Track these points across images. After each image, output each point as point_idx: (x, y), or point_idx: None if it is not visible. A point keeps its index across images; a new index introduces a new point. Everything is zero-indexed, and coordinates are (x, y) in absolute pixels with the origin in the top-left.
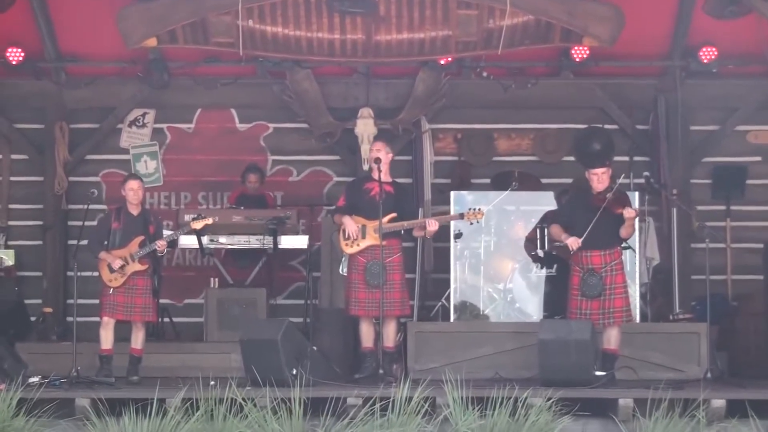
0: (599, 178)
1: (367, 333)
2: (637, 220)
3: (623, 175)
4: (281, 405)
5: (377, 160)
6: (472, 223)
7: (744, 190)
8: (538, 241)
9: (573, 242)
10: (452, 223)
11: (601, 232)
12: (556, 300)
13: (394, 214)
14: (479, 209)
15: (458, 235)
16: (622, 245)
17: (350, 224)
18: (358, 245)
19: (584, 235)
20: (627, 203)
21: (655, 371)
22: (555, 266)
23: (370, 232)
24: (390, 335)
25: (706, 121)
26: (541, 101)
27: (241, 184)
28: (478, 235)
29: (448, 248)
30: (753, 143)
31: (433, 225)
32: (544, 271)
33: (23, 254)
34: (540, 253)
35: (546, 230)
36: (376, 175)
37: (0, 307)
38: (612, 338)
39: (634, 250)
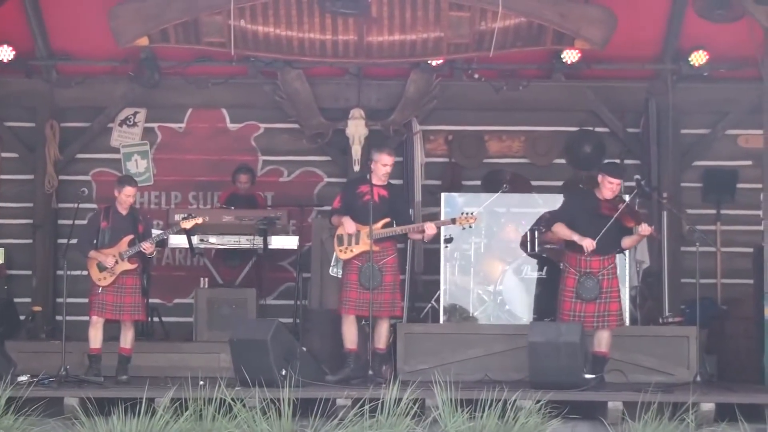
0: (613, 188)
1: (348, 333)
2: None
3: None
4: (270, 405)
5: (370, 161)
6: (464, 228)
7: (734, 194)
8: (528, 243)
9: (589, 244)
10: (443, 227)
11: (606, 240)
12: (545, 302)
13: (387, 219)
14: (471, 214)
15: (449, 240)
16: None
17: (349, 224)
18: (351, 251)
19: (598, 238)
20: (641, 218)
21: (644, 374)
22: (545, 268)
23: (364, 238)
24: (381, 337)
25: (697, 125)
26: (533, 103)
27: (232, 184)
28: (468, 237)
29: (438, 250)
30: (744, 147)
31: (432, 230)
32: (534, 273)
33: (13, 252)
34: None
35: (537, 232)
36: (375, 180)
37: None
38: (603, 341)
39: (624, 253)
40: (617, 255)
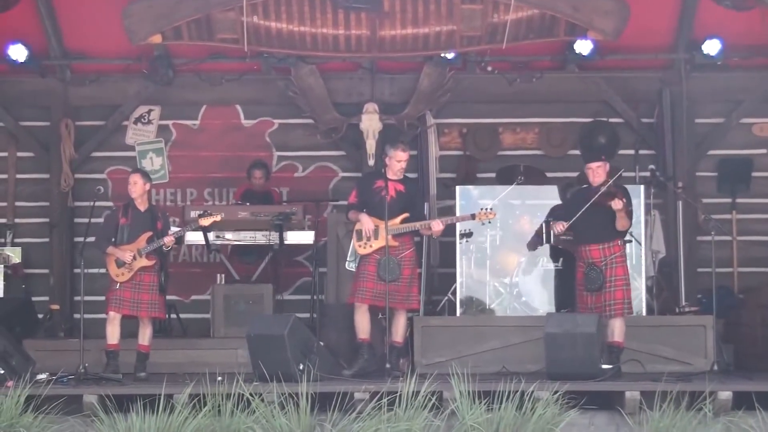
0: (594, 172)
1: (361, 323)
2: (643, 214)
3: (622, 170)
4: (288, 400)
5: (385, 156)
6: (483, 223)
7: (749, 183)
8: (544, 235)
9: (558, 225)
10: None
11: (597, 226)
12: (562, 293)
13: (406, 215)
14: (491, 209)
15: (467, 235)
16: (625, 239)
17: (367, 222)
18: (371, 246)
19: (571, 222)
20: (616, 196)
21: (661, 364)
22: (561, 260)
23: (383, 234)
24: (399, 330)
25: (711, 114)
26: (546, 95)
27: (247, 180)
28: (483, 230)
29: (454, 243)
30: (758, 135)
31: (438, 226)
32: (550, 265)
33: (30, 252)
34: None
35: (550, 225)
36: (390, 175)
37: (7, 305)
38: (615, 331)
39: (639, 243)
40: (631, 244)
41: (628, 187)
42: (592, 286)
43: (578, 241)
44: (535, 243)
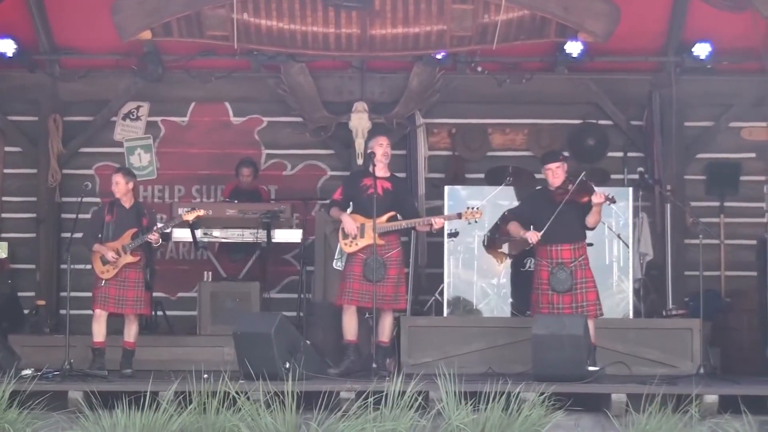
0: (554, 173)
1: (348, 324)
2: (631, 216)
3: (584, 173)
4: (274, 398)
5: (371, 155)
6: (470, 223)
7: (738, 187)
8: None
9: (532, 236)
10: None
11: (569, 225)
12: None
13: (392, 213)
14: (477, 208)
15: (454, 234)
16: (586, 242)
17: (349, 223)
18: (356, 245)
19: (544, 229)
20: (592, 190)
21: (648, 367)
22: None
23: (369, 232)
24: (385, 330)
25: (701, 117)
26: (536, 96)
27: (235, 177)
28: (471, 230)
29: (442, 243)
30: (747, 139)
31: (439, 224)
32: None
33: (16, 247)
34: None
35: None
36: (378, 172)
37: None
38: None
39: (627, 246)
40: (621, 247)
41: (617, 189)
42: (561, 287)
43: (546, 241)
44: (519, 245)
